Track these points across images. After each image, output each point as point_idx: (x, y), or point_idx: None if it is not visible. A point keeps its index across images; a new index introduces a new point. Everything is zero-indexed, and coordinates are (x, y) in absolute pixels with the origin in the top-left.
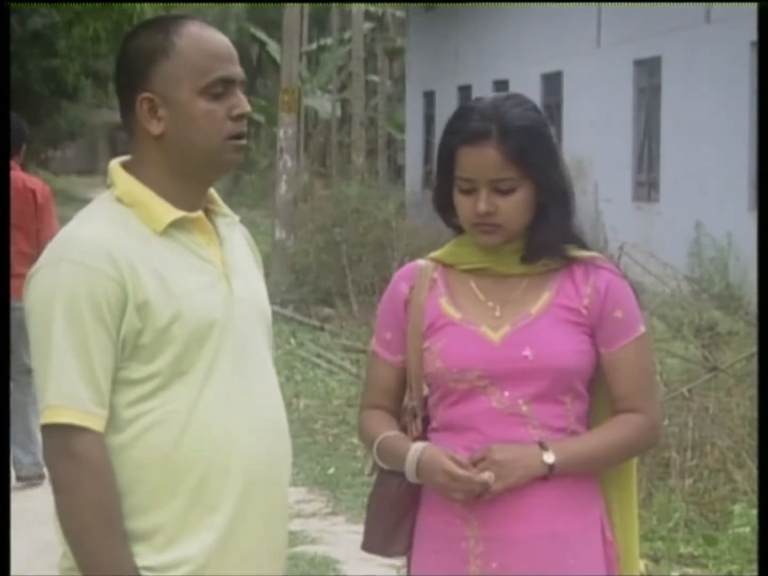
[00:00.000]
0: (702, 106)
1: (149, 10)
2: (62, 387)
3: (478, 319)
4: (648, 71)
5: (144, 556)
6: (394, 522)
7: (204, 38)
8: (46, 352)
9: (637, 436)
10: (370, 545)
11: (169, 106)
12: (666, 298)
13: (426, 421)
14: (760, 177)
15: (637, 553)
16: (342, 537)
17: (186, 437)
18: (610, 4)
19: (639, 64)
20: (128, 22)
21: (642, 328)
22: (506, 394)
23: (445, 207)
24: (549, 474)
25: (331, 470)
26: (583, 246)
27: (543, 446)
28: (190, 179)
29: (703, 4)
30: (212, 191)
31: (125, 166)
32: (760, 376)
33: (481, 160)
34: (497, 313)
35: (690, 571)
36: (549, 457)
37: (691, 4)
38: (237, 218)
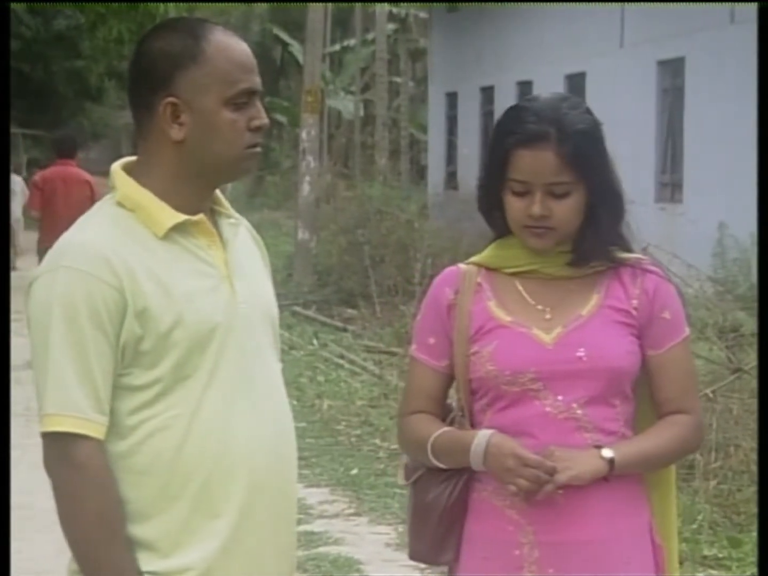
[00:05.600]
0: (725, 107)
1: (173, 11)
2: (60, 395)
3: (528, 322)
4: (672, 72)
5: (147, 561)
6: (444, 531)
7: (232, 47)
8: (44, 360)
9: (689, 436)
10: (418, 554)
11: (194, 112)
12: (690, 299)
13: (472, 427)
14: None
15: (676, 557)
16: (365, 538)
17: (188, 442)
18: (633, 4)
19: (662, 64)
20: (152, 23)
21: (687, 330)
22: (560, 398)
23: (492, 207)
24: (609, 473)
25: (354, 471)
26: (627, 249)
27: (598, 447)
28: (199, 184)
29: (728, 4)
30: (218, 192)
31: (129, 167)
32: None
33: (537, 163)
34: (547, 316)
35: (714, 573)
36: (607, 452)
37: (715, 4)
38: (243, 220)
